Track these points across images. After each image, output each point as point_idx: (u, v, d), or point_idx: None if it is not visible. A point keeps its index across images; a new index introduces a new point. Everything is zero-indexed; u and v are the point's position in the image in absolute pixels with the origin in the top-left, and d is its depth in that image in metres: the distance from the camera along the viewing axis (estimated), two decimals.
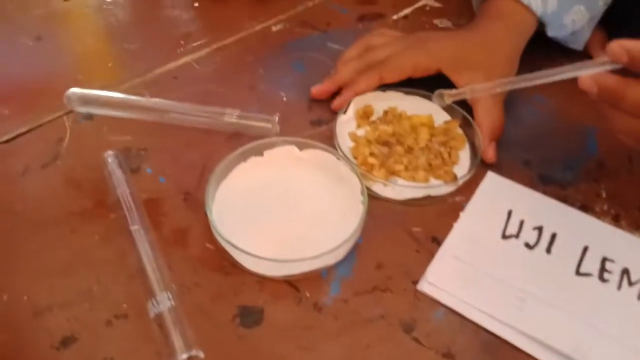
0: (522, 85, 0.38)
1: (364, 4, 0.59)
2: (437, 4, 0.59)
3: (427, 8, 0.58)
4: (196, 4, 0.57)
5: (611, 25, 0.51)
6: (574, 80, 0.34)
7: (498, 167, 0.41)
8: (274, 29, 0.55)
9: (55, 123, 0.43)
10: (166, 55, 0.50)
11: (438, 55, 0.43)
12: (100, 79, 0.47)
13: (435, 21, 0.56)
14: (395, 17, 0.57)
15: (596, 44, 0.51)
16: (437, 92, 0.42)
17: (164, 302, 0.31)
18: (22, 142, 0.42)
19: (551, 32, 0.47)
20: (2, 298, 0.33)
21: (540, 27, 0.47)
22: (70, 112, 0.44)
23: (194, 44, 0.52)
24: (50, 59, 0.50)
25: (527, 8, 0.45)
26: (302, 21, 0.56)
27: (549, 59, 0.43)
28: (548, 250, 0.36)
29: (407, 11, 0.58)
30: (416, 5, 0.58)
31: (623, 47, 0.31)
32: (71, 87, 0.45)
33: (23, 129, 0.43)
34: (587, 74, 0.33)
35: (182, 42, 0.52)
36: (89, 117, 0.44)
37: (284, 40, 0.53)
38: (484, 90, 0.41)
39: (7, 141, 0.42)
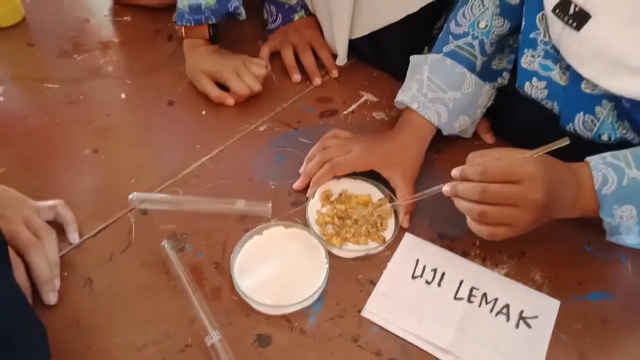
0: (425, 196, 0.61)
1: (323, 102, 0.81)
2: (375, 99, 0.82)
3: (368, 102, 0.81)
4: (204, 112, 0.79)
5: (495, 113, 0.75)
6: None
7: (412, 229, 0.65)
8: (260, 129, 0.77)
9: (123, 219, 0.65)
10: (188, 158, 0.72)
11: (371, 158, 0.67)
12: (146, 182, 0.69)
13: (374, 114, 0.79)
14: (345, 112, 0.80)
15: (482, 130, 0.75)
16: (392, 205, 0.65)
17: (214, 336, 0.54)
18: (105, 235, 0.64)
19: (445, 133, 0.70)
20: (115, 341, 0.55)
21: (439, 130, 0.70)
22: (132, 209, 0.66)
23: (207, 147, 0.74)
24: (108, 167, 0.71)
25: (428, 120, 0.68)
26: (280, 121, 0.78)
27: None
28: (439, 284, 0.60)
29: (354, 106, 0.81)
30: (360, 101, 0.81)
31: (456, 175, 0.55)
32: (127, 190, 0.67)
33: (103, 225, 0.65)
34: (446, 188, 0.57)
35: (198, 146, 0.74)
36: (145, 212, 0.66)
37: (269, 138, 0.76)
38: (406, 200, 0.64)
39: (95, 235, 0.64)
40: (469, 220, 0.56)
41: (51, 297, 0.57)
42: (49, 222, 0.62)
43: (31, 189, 0.64)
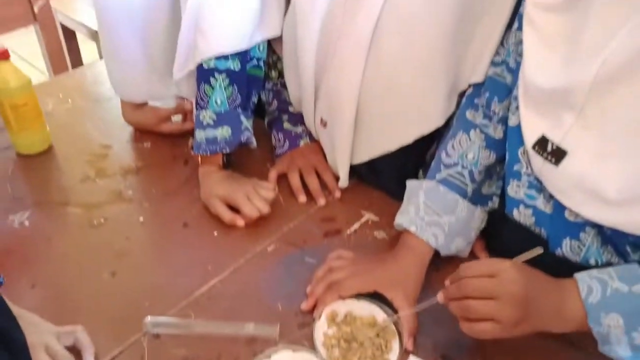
0: (423, 307, 0.65)
1: (327, 221, 0.87)
2: (375, 218, 0.87)
3: (369, 222, 0.87)
4: (216, 233, 0.84)
5: (489, 234, 0.80)
6: None
7: (416, 351, 0.67)
8: (269, 249, 0.82)
9: (137, 344, 0.68)
10: (200, 280, 0.76)
11: (374, 280, 0.71)
12: (160, 304, 0.73)
13: (375, 233, 0.85)
14: (348, 232, 0.85)
15: (478, 250, 0.80)
16: (391, 317, 0.69)
17: None
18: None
19: (443, 254, 0.75)
20: None
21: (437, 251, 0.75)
22: (145, 333, 0.69)
23: (218, 268, 0.78)
24: (124, 291, 0.75)
25: (426, 242, 0.73)
26: (287, 241, 0.83)
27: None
28: None
29: (356, 225, 0.86)
30: (362, 220, 0.87)
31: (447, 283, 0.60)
32: (141, 313, 0.70)
33: (118, 350, 0.67)
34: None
35: (209, 267, 0.78)
36: (158, 336, 0.69)
37: (277, 258, 0.80)
38: (406, 314, 0.68)
39: None
40: (460, 322, 0.60)
41: None
42: (68, 348, 0.65)
43: (51, 312, 0.68)
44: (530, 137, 0.66)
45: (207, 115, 0.88)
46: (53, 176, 0.96)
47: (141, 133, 1.05)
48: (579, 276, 0.60)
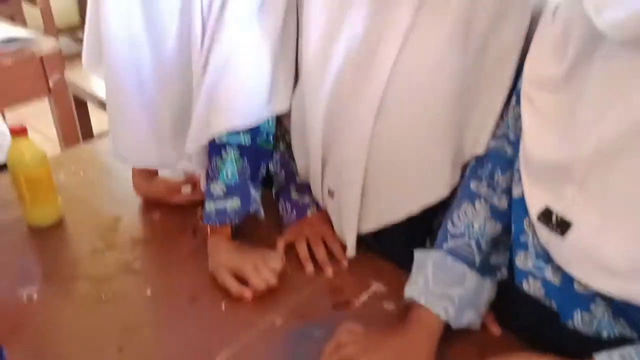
0: None
1: (335, 292, 0.87)
2: (384, 288, 0.87)
3: (377, 292, 0.86)
4: (223, 307, 0.84)
5: (499, 306, 0.79)
6: None
7: None
8: (277, 323, 0.81)
9: None
10: (208, 355, 0.75)
11: (383, 356, 0.70)
12: None
13: (384, 304, 0.84)
14: (356, 303, 0.85)
15: (489, 322, 0.79)
16: None
17: None
18: None
19: (454, 327, 0.74)
20: None
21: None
22: None
23: (225, 343, 0.77)
24: None
25: (437, 315, 0.73)
26: (295, 314, 0.83)
27: None
28: None
29: (364, 296, 0.86)
30: (370, 290, 0.87)
31: None
32: None
33: None
34: None
35: (217, 342, 0.78)
36: None
37: (285, 332, 0.80)
38: None
39: None
40: None
41: None
42: None
43: None
44: (534, 209, 0.67)
45: (217, 187, 0.90)
46: (63, 249, 0.97)
47: (150, 204, 1.07)
48: (599, 358, 0.59)
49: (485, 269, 0.77)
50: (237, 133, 0.90)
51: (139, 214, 1.05)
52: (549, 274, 0.69)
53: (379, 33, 0.79)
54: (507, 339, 0.77)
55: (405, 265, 0.84)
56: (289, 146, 1.02)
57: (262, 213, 0.91)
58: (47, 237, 0.99)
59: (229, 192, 0.90)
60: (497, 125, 0.78)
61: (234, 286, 0.85)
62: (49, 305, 0.84)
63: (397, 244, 0.90)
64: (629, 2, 0.51)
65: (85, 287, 0.87)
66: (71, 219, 1.03)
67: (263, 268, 0.86)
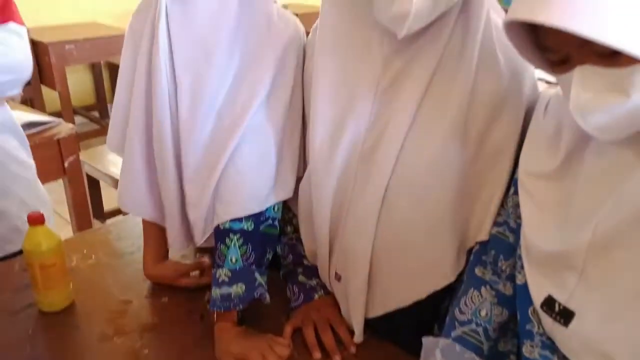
0: None
1: None
2: None
3: None
4: None
5: None
6: None
7: None
8: None
9: None
10: None
11: None
12: None
13: None
14: None
15: None
16: None
17: None
18: None
19: None
20: None
21: None
22: None
23: None
24: None
25: None
26: None
27: None
28: None
29: None
30: None
31: None
32: None
33: None
34: None
35: None
36: None
37: None
38: None
39: None
40: None
41: None
42: None
43: None
44: (537, 297, 0.68)
45: (222, 273, 0.92)
46: (72, 335, 0.97)
47: (159, 287, 1.08)
48: None
49: (493, 356, 0.77)
50: (240, 220, 0.93)
51: (148, 297, 1.06)
52: None
53: (382, 128, 0.84)
54: None
55: (413, 350, 0.84)
56: (296, 229, 1.05)
57: (267, 298, 0.93)
58: (58, 322, 0.99)
59: (234, 277, 0.92)
60: (499, 213, 0.81)
61: None
62: None
63: (405, 329, 0.90)
64: (610, 108, 0.55)
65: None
66: (82, 303, 1.04)
67: (270, 355, 0.86)
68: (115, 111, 1.03)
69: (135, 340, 0.95)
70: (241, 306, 0.90)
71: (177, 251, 1.09)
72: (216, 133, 0.92)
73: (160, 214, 1.02)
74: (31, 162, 1.38)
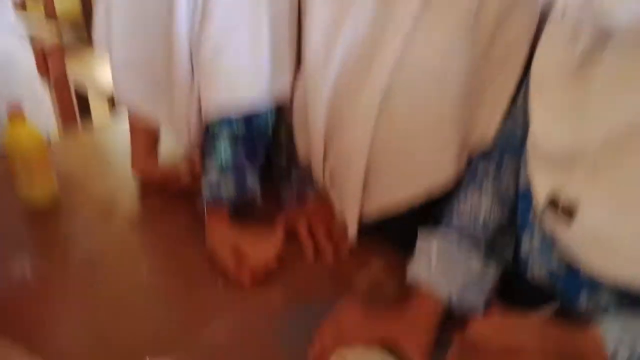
0: None
1: (335, 277, 0.85)
2: (385, 271, 0.84)
3: (380, 277, 0.84)
4: (220, 284, 0.82)
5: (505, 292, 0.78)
6: None
7: None
8: (274, 301, 0.80)
9: None
10: (198, 325, 0.74)
11: (384, 330, 0.70)
12: (160, 350, 0.69)
13: (385, 288, 0.81)
14: (358, 285, 0.82)
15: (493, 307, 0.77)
16: None
17: None
18: None
19: (456, 312, 0.73)
20: None
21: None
22: None
23: (219, 317, 0.76)
24: (122, 335, 0.72)
25: (439, 299, 0.71)
26: (294, 295, 0.81)
27: None
28: None
29: (366, 278, 0.83)
30: (372, 273, 0.84)
31: None
32: (138, 357, 0.67)
33: None
34: None
35: (209, 314, 0.76)
36: None
37: (283, 311, 0.78)
38: None
39: None
40: None
41: None
42: None
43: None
44: (541, 194, 0.65)
45: (212, 166, 0.89)
46: (58, 228, 0.95)
47: (148, 190, 1.05)
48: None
49: (490, 253, 0.75)
50: (230, 121, 0.88)
51: (137, 198, 1.04)
52: (554, 262, 0.67)
53: (383, 26, 0.77)
54: None
55: (406, 248, 0.82)
56: (290, 132, 1.01)
57: (258, 197, 0.90)
58: (43, 217, 0.97)
59: (224, 172, 0.89)
60: (506, 114, 0.77)
61: (231, 264, 0.84)
62: (41, 281, 0.83)
63: (399, 235, 0.89)
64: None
65: (79, 265, 0.86)
66: (68, 201, 1.01)
67: (262, 246, 0.85)
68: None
69: (123, 234, 0.93)
70: (231, 202, 0.88)
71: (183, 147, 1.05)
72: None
73: (154, 106, 0.98)
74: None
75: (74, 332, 0.74)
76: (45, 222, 0.96)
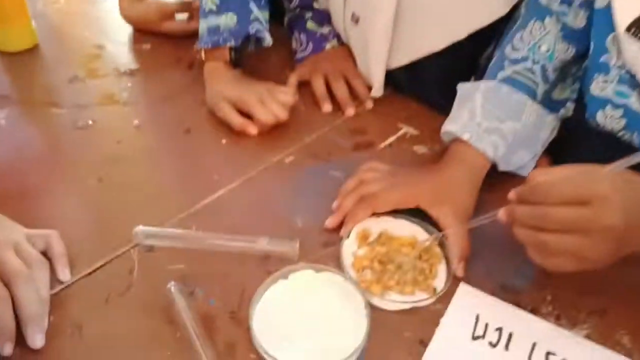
0: (478, 224, 0.51)
1: (356, 134, 0.73)
2: (415, 132, 0.73)
3: (407, 136, 0.73)
4: (224, 141, 0.71)
5: (558, 149, 0.66)
6: None
7: (467, 279, 0.54)
8: (286, 160, 0.68)
9: (125, 256, 0.56)
10: (204, 190, 0.63)
11: (416, 194, 0.57)
12: (155, 215, 0.60)
13: (415, 148, 0.71)
14: (382, 145, 0.71)
15: (543, 166, 0.65)
16: (437, 236, 0.56)
17: None
18: (102, 274, 0.54)
19: (501, 169, 0.61)
20: None
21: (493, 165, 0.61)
22: (136, 245, 0.56)
23: (226, 178, 0.65)
24: (112, 199, 0.63)
25: (483, 153, 0.59)
26: (309, 153, 0.70)
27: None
28: (506, 348, 0.49)
29: (391, 139, 0.72)
30: (398, 134, 0.73)
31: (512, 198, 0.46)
32: (132, 224, 0.57)
33: (101, 262, 0.55)
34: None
35: (215, 177, 0.65)
36: (151, 249, 0.56)
37: (295, 170, 0.67)
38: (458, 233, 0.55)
39: (90, 273, 0.54)
40: (529, 250, 0.46)
41: (37, 339, 0.47)
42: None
43: (25, 219, 0.55)
44: (624, 18, 0.51)
45: (210, 1, 0.74)
46: (38, 75, 0.82)
47: (140, 33, 0.90)
48: None
49: (547, 102, 0.62)
50: None
51: (127, 44, 0.89)
52: (633, 101, 0.54)
53: None
54: None
55: (442, 107, 0.69)
56: None
57: (267, 38, 0.75)
58: (21, 62, 0.84)
59: (223, 5, 0.73)
60: None
61: (235, 119, 0.71)
62: (19, 131, 0.72)
63: (433, 82, 0.75)
64: None
65: (61, 114, 0.74)
66: (48, 47, 0.88)
67: (271, 101, 0.72)
68: None
69: (111, 83, 0.80)
70: (233, 41, 0.73)
71: None
72: None
73: None
74: None
75: (50, 191, 0.64)
76: (23, 68, 0.83)
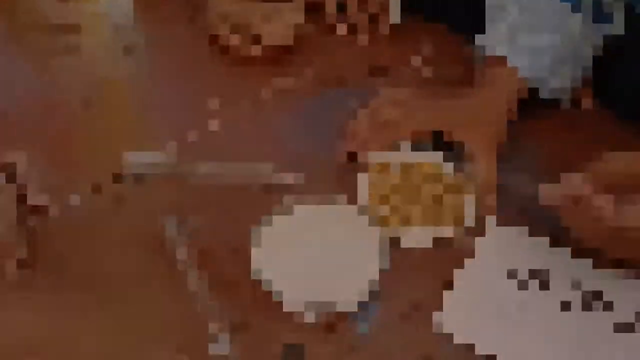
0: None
1: (371, 59, 0.65)
2: (436, 57, 0.65)
3: (430, 59, 0.65)
4: (224, 67, 0.64)
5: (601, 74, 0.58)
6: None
7: (498, 212, 0.48)
8: (294, 85, 0.61)
9: (112, 186, 0.50)
10: (204, 115, 0.57)
11: (441, 118, 0.51)
12: (147, 141, 0.54)
13: (437, 73, 0.63)
14: (400, 70, 0.64)
15: (584, 93, 0.58)
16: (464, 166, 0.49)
17: (223, 344, 0.39)
18: (87, 204, 0.48)
19: (541, 93, 0.54)
20: None
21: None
22: (125, 174, 0.51)
23: (227, 103, 0.59)
24: (100, 123, 0.57)
25: (519, 72, 0.52)
26: (318, 78, 0.62)
27: None
28: (542, 288, 0.43)
29: (412, 63, 0.64)
30: (419, 59, 0.65)
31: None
32: (120, 151, 0.51)
33: (85, 190, 0.49)
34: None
35: (215, 101, 0.58)
36: (141, 178, 0.50)
37: (304, 95, 0.60)
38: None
39: (73, 203, 0.49)
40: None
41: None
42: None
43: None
44: None
45: None
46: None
47: None
48: None
49: (595, 11, 0.54)
50: None
51: None
52: None
53: None
54: (605, 119, 0.57)
55: (469, 30, 0.61)
56: None
57: None
58: None
59: None
60: None
61: (236, 39, 0.64)
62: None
63: (457, 5, 0.67)
64: None
65: (42, 37, 0.67)
66: None
67: (276, 20, 0.65)
68: None
69: (102, 5, 0.73)
70: None
71: None
72: None
73: None
74: None
75: (28, 114, 0.58)
76: None
